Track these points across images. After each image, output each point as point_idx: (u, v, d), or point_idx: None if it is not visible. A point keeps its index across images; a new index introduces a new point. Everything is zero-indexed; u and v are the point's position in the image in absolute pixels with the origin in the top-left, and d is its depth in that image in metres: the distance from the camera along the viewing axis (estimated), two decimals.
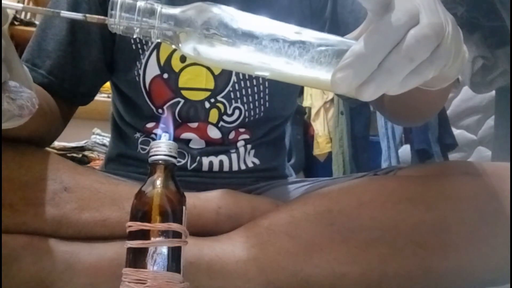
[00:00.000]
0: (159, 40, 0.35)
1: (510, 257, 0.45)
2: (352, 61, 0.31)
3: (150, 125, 0.67)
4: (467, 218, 0.47)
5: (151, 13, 0.34)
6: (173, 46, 0.36)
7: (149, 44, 0.63)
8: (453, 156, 1.63)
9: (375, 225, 0.47)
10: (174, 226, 0.37)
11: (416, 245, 0.46)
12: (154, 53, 0.63)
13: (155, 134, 0.66)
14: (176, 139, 0.65)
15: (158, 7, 0.34)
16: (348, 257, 0.46)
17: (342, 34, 0.61)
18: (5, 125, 0.38)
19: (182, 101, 0.64)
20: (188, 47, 0.34)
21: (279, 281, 0.46)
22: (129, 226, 0.37)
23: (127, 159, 0.68)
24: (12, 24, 1.93)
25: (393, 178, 0.52)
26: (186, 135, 0.66)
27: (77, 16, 0.34)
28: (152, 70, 0.63)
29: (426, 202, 0.48)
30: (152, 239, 0.37)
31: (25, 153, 0.49)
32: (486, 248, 0.46)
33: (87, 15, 0.34)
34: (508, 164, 0.50)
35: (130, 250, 0.37)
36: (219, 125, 0.66)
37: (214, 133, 0.66)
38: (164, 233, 0.37)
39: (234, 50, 0.33)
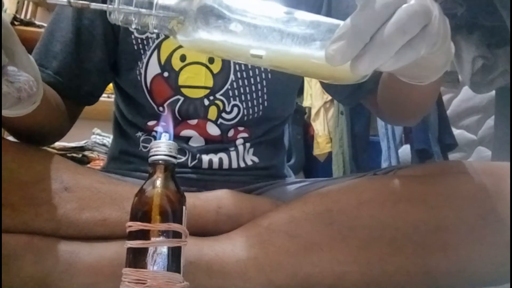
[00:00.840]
0: (156, 31, 0.36)
1: (510, 257, 0.45)
2: (345, 33, 0.31)
3: (151, 123, 0.68)
4: (467, 218, 0.47)
5: (149, 4, 0.35)
6: (171, 37, 0.36)
7: (150, 44, 0.65)
8: (453, 156, 1.63)
9: (374, 224, 0.47)
10: (174, 226, 0.37)
11: (416, 244, 0.46)
12: (155, 52, 0.65)
13: (156, 132, 0.67)
14: (176, 136, 0.66)
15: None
16: (347, 256, 0.47)
17: None
18: (9, 113, 0.39)
19: (182, 98, 0.65)
20: (185, 36, 0.35)
21: (279, 280, 0.46)
22: (129, 226, 0.37)
23: (129, 156, 0.69)
24: (12, 24, 1.93)
25: (393, 177, 0.52)
26: (186, 132, 0.67)
27: (62, 2, 0.35)
28: (153, 69, 0.65)
29: (426, 202, 0.48)
30: (152, 239, 0.37)
31: (26, 153, 0.49)
32: (486, 247, 0.46)
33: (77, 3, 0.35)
34: (508, 163, 0.50)
35: (130, 250, 0.37)
36: (218, 122, 0.67)
37: (213, 130, 0.67)
38: (164, 233, 0.37)
39: (229, 33, 0.34)
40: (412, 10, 0.31)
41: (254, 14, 0.34)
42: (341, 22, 0.33)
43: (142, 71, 0.65)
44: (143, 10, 0.35)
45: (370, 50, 0.32)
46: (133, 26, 0.35)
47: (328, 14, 0.68)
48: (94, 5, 0.35)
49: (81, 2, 0.35)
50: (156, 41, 0.65)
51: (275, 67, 0.38)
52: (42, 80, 0.55)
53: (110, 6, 0.35)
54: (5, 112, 0.41)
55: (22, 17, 2.11)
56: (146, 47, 0.65)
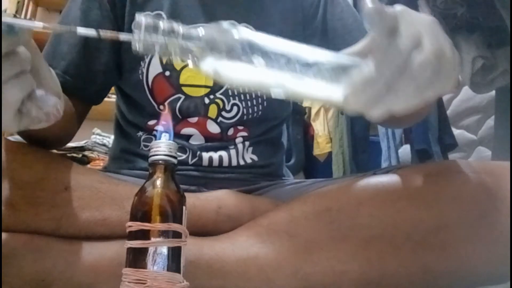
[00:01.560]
0: (178, 58, 0.37)
1: (510, 256, 0.45)
2: (363, 84, 0.33)
3: (151, 122, 0.68)
4: (466, 217, 0.47)
5: (172, 33, 0.35)
6: (191, 63, 0.37)
7: None
8: (453, 156, 1.63)
9: (374, 223, 0.47)
10: (174, 226, 0.37)
11: (415, 244, 0.46)
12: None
13: (157, 131, 0.67)
14: (177, 134, 0.66)
15: (179, 27, 0.35)
16: (347, 255, 0.47)
17: (330, 39, 0.63)
18: (27, 126, 0.39)
19: (183, 97, 0.66)
20: (207, 66, 0.36)
21: (279, 279, 0.46)
22: (129, 226, 0.37)
23: (129, 155, 0.70)
24: None
25: (392, 177, 0.52)
26: (186, 130, 0.67)
27: (92, 32, 0.36)
28: (155, 69, 0.66)
29: (425, 201, 0.48)
30: (152, 239, 0.37)
31: (26, 152, 0.49)
32: (486, 247, 0.46)
33: (106, 33, 0.36)
34: (508, 163, 0.50)
35: (130, 250, 0.37)
36: (218, 120, 0.67)
37: (213, 128, 0.68)
38: (164, 233, 0.37)
39: (252, 69, 0.35)
40: (427, 60, 0.33)
41: (276, 52, 0.36)
42: (356, 60, 0.35)
43: (144, 71, 0.66)
44: (169, 41, 0.35)
45: (384, 100, 0.33)
46: (156, 54, 0.36)
47: (324, 17, 0.71)
48: (122, 37, 0.36)
49: (109, 34, 0.37)
50: None
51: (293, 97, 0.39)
52: None
53: (136, 37, 0.36)
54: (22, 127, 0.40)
55: (22, 17, 2.10)
56: None
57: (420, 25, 0.35)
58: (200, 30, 0.36)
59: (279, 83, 0.36)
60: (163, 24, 0.35)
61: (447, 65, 0.34)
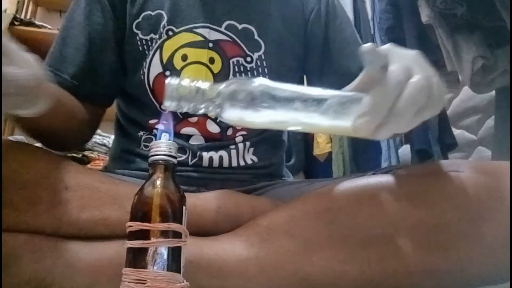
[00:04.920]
0: (205, 112, 0.42)
1: (510, 256, 0.45)
2: (369, 110, 0.39)
3: (153, 121, 0.68)
4: (466, 217, 0.47)
5: (200, 92, 0.41)
6: (216, 115, 0.42)
7: (153, 44, 0.66)
8: (453, 156, 1.63)
9: (374, 223, 0.47)
10: (174, 226, 0.37)
11: (415, 243, 0.46)
12: (158, 52, 0.66)
13: (157, 129, 0.68)
14: (177, 134, 0.66)
15: (205, 86, 0.41)
16: (347, 255, 0.47)
17: (330, 49, 0.73)
18: (21, 112, 0.42)
19: None
20: (232, 115, 0.41)
21: (279, 279, 0.46)
22: (129, 226, 0.37)
23: (129, 155, 0.70)
24: (12, 24, 1.93)
25: (392, 177, 0.52)
26: (186, 130, 0.67)
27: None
28: (156, 68, 0.66)
29: (425, 201, 0.48)
30: (152, 239, 0.37)
31: (26, 152, 0.49)
32: (485, 247, 0.46)
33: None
34: (508, 163, 0.50)
35: (130, 250, 0.37)
36: (218, 120, 0.67)
37: (213, 127, 0.68)
38: (164, 233, 0.37)
39: (272, 113, 0.41)
40: (420, 86, 0.39)
41: (292, 96, 0.41)
42: (360, 95, 0.41)
43: (146, 71, 0.66)
44: (196, 102, 0.41)
45: (388, 122, 0.39)
46: (184, 110, 0.41)
47: (325, 27, 0.74)
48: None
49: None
50: (159, 41, 0.66)
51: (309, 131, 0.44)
52: (60, 85, 0.62)
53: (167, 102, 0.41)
54: (18, 112, 0.42)
55: (22, 17, 2.10)
56: (150, 47, 0.67)
57: (408, 58, 0.41)
58: (223, 86, 0.41)
59: (296, 121, 0.42)
60: (192, 85, 0.40)
61: (437, 88, 0.40)
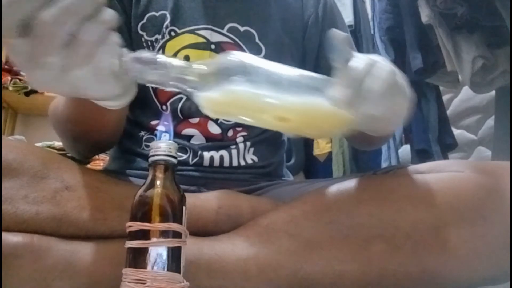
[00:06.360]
0: (189, 90, 0.41)
1: (510, 256, 0.45)
2: (342, 82, 0.42)
3: (154, 122, 0.68)
4: (466, 217, 0.47)
5: (169, 66, 0.40)
6: (206, 92, 0.41)
7: (157, 45, 0.67)
8: (453, 156, 1.63)
9: (374, 223, 0.47)
10: (174, 226, 0.38)
11: (415, 243, 0.46)
12: (160, 52, 0.65)
13: (158, 130, 0.68)
14: (178, 135, 0.66)
15: (191, 65, 0.41)
16: (347, 255, 0.47)
17: (325, 53, 0.70)
18: (111, 104, 0.44)
19: (184, 97, 0.66)
20: (204, 95, 0.41)
21: (279, 279, 0.46)
22: (129, 226, 0.37)
23: (130, 155, 0.70)
24: None
25: (392, 176, 0.52)
26: (187, 130, 0.67)
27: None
28: None
29: (425, 201, 0.48)
30: (152, 239, 0.37)
31: (26, 152, 0.49)
32: (485, 246, 0.46)
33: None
34: (508, 163, 0.50)
35: (130, 250, 0.37)
36: (219, 121, 0.68)
37: (214, 129, 0.68)
38: (164, 233, 0.37)
39: (244, 88, 0.40)
40: (385, 65, 0.44)
41: (269, 70, 0.42)
42: (330, 78, 0.44)
43: None
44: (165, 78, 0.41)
45: (362, 97, 0.42)
46: (168, 89, 0.42)
47: (322, 32, 0.74)
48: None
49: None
50: (161, 42, 0.66)
51: (294, 129, 0.44)
52: None
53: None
54: (108, 104, 0.44)
55: None
56: (154, 48, 0.67)
57: (372, 56, 0.45)
58: (207, 64, 0.41)
59: (274, 93, 0.41)
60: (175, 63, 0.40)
61: (401, 77, 0.45)
